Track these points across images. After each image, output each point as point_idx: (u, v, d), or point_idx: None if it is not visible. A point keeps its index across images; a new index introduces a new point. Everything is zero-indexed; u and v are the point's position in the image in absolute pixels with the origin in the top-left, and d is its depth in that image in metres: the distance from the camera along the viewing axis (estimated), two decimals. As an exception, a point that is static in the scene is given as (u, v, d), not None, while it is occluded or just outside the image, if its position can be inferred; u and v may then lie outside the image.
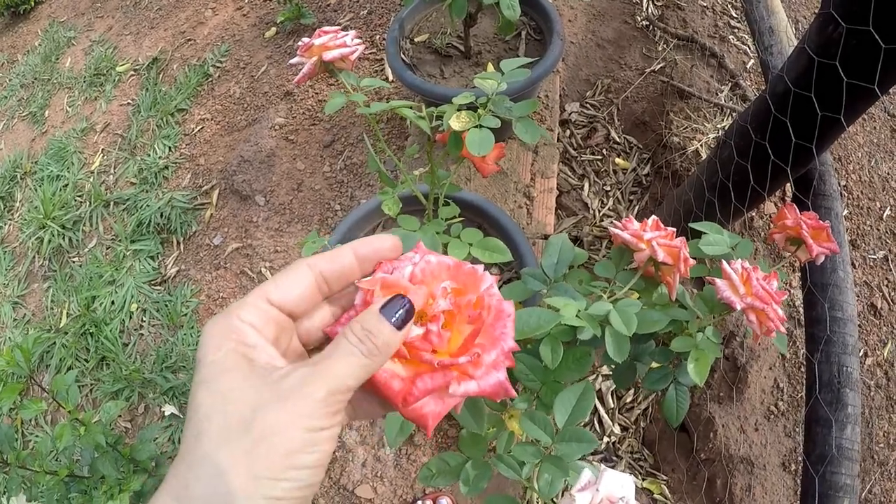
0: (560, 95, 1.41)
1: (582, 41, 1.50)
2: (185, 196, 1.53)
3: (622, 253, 0.67)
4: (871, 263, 1.53)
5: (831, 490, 0.80)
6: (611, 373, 1.33)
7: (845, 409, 0.86)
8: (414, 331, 0.33)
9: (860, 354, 1.42)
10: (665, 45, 1.50)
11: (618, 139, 1.39)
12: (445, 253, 0.74)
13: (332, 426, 0.23)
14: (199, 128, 1.63)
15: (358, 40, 0.73)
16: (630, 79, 1.46)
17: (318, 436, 0.22)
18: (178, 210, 1.52)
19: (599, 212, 1.33)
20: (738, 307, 0.56)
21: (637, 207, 1.38)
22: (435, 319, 0.33)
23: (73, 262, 1.68)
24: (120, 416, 1.49)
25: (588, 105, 1.42)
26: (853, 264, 1.51)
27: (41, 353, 1.60)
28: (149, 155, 1.66)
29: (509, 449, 0.60)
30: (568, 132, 1.39)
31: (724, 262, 0.62)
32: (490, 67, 1.22)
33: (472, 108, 0.69)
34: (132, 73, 1.87)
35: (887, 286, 1.51)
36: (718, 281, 0.59)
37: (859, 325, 1.46)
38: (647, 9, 1.56)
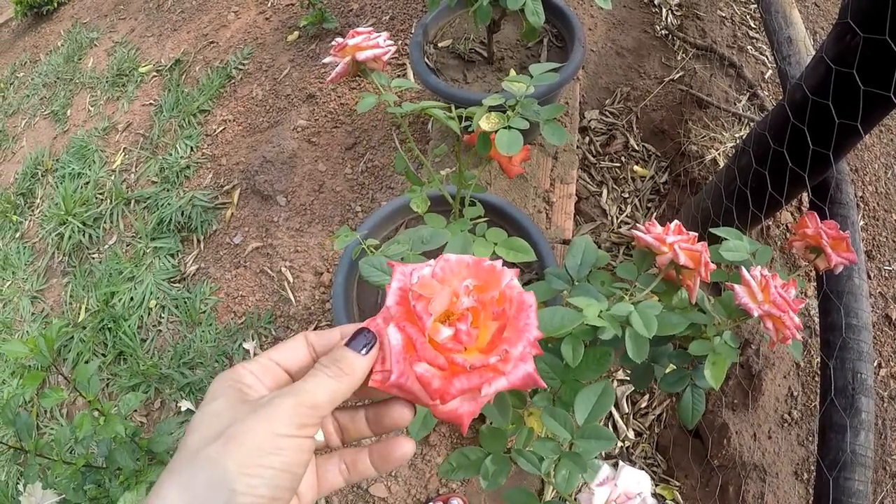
0: (580, 102, 1.42)
1: (602, 49, 1.52)
2: (206, 195, 1.55)
3: (644, 256, 0.68)
4: (887, 274, 1.53)
5: (844, 496, 0.80)
6: (627, 376, 1.33)
7: (859, 414, 0.86)
8: (443, 332, 0.33)
9: (874, 365, 1.42)
10: (684, 55, 1.52)
11: (636, 147, 1.40)
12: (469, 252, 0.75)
13: (298, 436, 0.26)
14: (221, 128, 1.65)
15: (390, 42, 0.74)
16: (649, 87, 1.47)
17: (283, 441, 0.25)
18: (199, 209, 1.54)
19: (617, 218, 1.34)
20: (756, 314, 0.57)
21: (654, 215, 1.39)
22: (463, 318, 0.34)
23: (93, 258, 1.71)
24: (136, 410, 1.50)
25: (607, 112, 1.44)
26: (868, 275, 1.51)
27: (59, 346, 1.62)
28: (170, 154, 1.69)
29: (528, 445, 0.61)
30: (587, 139, 1.40)
31: (743, 269, 0.63)
32: (513, 73, 1.24)
33: (499, 110, 0.71)
34: (154, 74, 1.90)
35: (901, 297, 1.52)
36: (737, 287, 0.60)
37: (874, 336, 1.46)
38: (666, 18, 1.58)
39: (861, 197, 1.58)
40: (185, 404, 1.42)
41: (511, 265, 0.81)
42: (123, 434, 1.13)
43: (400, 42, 1.57)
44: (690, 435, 1.29)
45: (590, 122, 1.42)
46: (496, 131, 0.69)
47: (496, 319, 0.36)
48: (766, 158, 1.04)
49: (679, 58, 1.51)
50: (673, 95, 1.46)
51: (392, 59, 1.56)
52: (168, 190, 1.63)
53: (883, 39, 0.72)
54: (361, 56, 0.71)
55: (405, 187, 1.34)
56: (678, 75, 1.49)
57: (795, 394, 1.33)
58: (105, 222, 1.72)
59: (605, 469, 0.50)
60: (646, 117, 1.43)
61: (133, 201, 1.69)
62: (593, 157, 1.38)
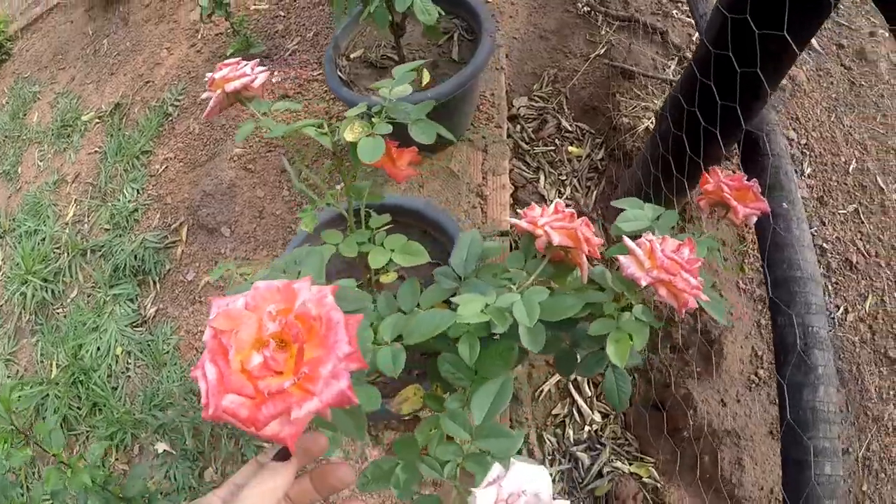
0: (507, 92, 1.42)
1: (525, 35, 1.52)
2: (155, 236, 1.56)
3: (529, 242, 0.67)
4: (842, 218, 1.52)
5: (809, 455, 0.78)
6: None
7: (815, 370, 0.83)
8: (254, 359, 0.34)
9: (840, 312, 1.42)
10: (608, 29, 1.51)
11: (569, 128, 1.40)
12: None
13: None
14: (163, 167, 1.66)
15: (261, 68, 0.74)
16: (576, 66, 1.47)
17: None
18: (151, 251, 1.55)
19: (557, 199, 1.34)
20: (644, 283, 0.55)
21: (595, 193, 1.39)
22: (266, 345, 0.34)
23: (58, 313, 1.72)
24: (116, 459, 1.51)
25: (536, 98, 1.44)
26: (822, 221, 1.51)
27: (36, 405, 1.63)
28: (118, 200, 1.69)
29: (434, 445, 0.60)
30: (518, 127, 1.40)
31: (626, 238, 0.62)
32: (426, 74, 1.23)
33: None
34: (97, 120, 1.91)
35: (861, 239, 1.51)
36: (622, 258, 0.58)
37: (836, 283, 1.46)
38: (587, -5, 1.58)
39: (805, 144, 1.57)
40: (160, 446, 1.43)
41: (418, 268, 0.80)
42: (91, 484, 1.14)
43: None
44: (657, 409, 1.28)
45: (519, 109, 1.41)
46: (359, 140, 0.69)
47: (296, 341, 0.36)
48: (682, 121, 1.04)
49: (603, 32, 1.51)
50: (600, 71, 1.46)
51: (319, 75, 1.56)
52: (120, 236, 1.64)
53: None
54: (230, 87, 0.71)
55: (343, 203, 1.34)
56: (604, 50, 1.48)
57: (760, 353, 1.33)
58: (65, 276, 1.73)
59: (496, 469, 0.49)
60: (575, 97, 1.43)
61: (89, 251, 1.70)
62: (526, 143, 1.38)
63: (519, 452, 0.58)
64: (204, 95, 0.74)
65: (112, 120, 1.86)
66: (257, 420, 0.33)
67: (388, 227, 0.87)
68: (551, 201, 1.34)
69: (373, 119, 0.70)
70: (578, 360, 0.73)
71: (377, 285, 0.91)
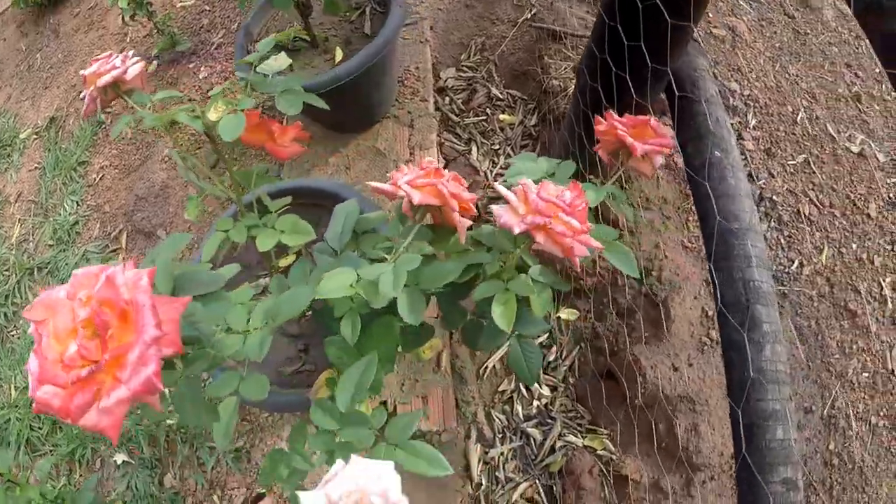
0: (433, 64, 1.38)
1: (449, 5, 1.47)
2: (97, 246, 1.54)
3: (399, 208, 0.63)
4: (792, 169, 1.49)
5: (759, 419, 0.72)
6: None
7: (760, 327, 0.77)
8: (70, 348, 0.33)
9: (795, 265, 1.38)
10: (534, -9, 1.47)
11: (500, 95, 1.37)
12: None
13: None
14: (100, 176, 1.63)
15: (135, 59, 0.71)
16: (504, 32, 1.43)
17: None
18: (94, 261, 1.52)
19: (492, 172, 1.31)
20: (517, 230, 0.51)
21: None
22: (73, 334, 0.34)
23: (12, 335, 1.70)
24: (81, 475, 1.50)
25: (464, 68, 1.40)
26: (771, 174, 1.47)
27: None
28: (59, 214, 1.66)
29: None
30: (447, 99, 1.36)
31: (498, 184, 0.58)
32: (339, 52, 1.20)
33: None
34: (35, 136, 1.88)
35: (813, 190, 1.47)
36: (495, 207, 0.54)
37: (789, 236, 1.42)
38: (511, -42, 1.53)
39: (749, 95, 1.53)
40: (119, 457, 1.42)
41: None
42: (38, 498, 1.12)
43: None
44: (608, 379, 1.24)
45: (447, 81, 1.38)
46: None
47: (101, 328, 0.34)
48: (596, 71, 1.00)
49: (528, -5, 1.47)
50: (529, 35, 1.42)
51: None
52: (64, 250, 1.61)
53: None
54: (102, 82, 0.68)
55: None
56: (531, 13, 1.44)
57: (710, 313, 1.29)
58: (15, 297, 1.70)
59: (338, 465, 0.41)
60: (504, 64, 1.39)
61: (35, 269, 1.67)
62: (456, 115, 1.34)
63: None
64: (83, 94, 0.71)
65: (49, 134, 1.83)
66: (69, 410, 0.32)
67: (305, 209, 0.84)
68: (485, 172, 1.31)
69: (239, 96, 0.68)
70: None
71: (279, 271, 0.89)
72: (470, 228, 0.63)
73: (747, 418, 0.73)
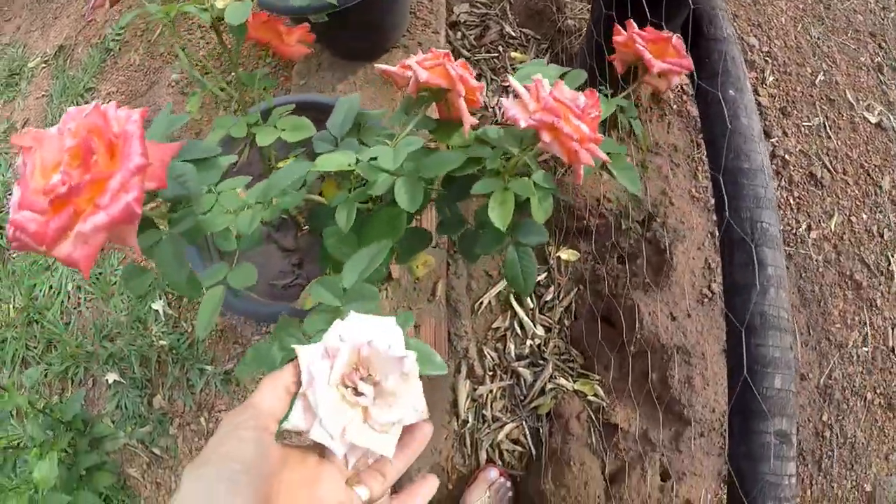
0: (446, -1, 1.35)
1: (467, -58, 1.44)
2: (98, 170, 1.53)
3: (408, 98, 0.62)
4: (807, 131, 1.45)
5: (758, 365, 0.68)
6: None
7: (765, 269, 0.73)
8: (54, 177, 0.33)
9: (803, 228, 1.36)
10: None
11: (513, 33, 1.34)
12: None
13: None
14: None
15: None
16: (520, -29, 1.40)
17: None
18: (94, 184, 1.52)
19: (500, 109, 1.28)
20: (523, 124, 0.49)
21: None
22: (57, 167, 0.34)
23: (14, 258, 1.70)
24: (72, 393, 1.51)
25: (478, 4, 1.37)
26: (785, 132, 1.44)
27: (-4, 347, 1.63)
28: (64, 139, 1.66)
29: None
30: (459, 34, 1.34)
31: (511, 78, 0.56)
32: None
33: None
34: (43, 65, 1.87)
35: (827, 154, 1.43)
36: (505, 100, 0.52)
37: (799, 197, 1.39)
38: None
39: (768, 52, 1.49)
40: (111, 376, 1.43)
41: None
42: (26, 405, 1.13)
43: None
44: (604, 324, 1.22)
45: (460, 16, 1.35)
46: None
47: (86, 153, 0.34)
48: (613, 1, 0.97)
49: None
50: (546, -26, 1.39)
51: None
52: (66, 174, 1.61)
53: None
54: None
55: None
56: (550, -47, 1.40)
57: (713, 265, 1.27)
58: (18, 219, 1.71)
59: (336, 322, 0.38)
60: (519, 1, 1.36)
61: (38, 193, 1.68)
62: (468, 51, 1.32)
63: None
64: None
65: (57, 62, 1.82)
66: (45, 235, 0.32)
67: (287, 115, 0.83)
68: (493, 108, 1.29)
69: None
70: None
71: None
72: (474, 129, 0.61)
73: (748, 362, 0.69)
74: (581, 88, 0.65)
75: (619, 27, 0.67)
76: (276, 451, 0.32)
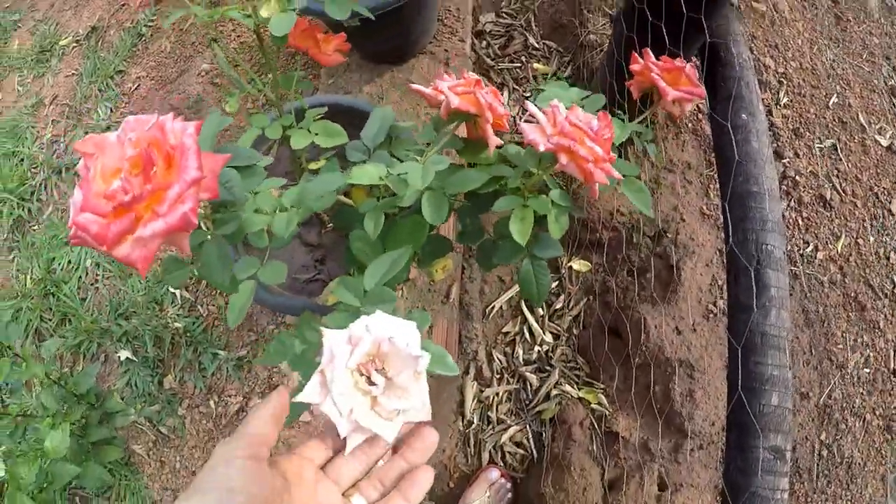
0: (473, 7, 1.38)
1: (497, -48, 1.47)
2: (124, 152, 1.57)
3: (439, 119, 0.65)
4: (818, 152, 1.48)
5: (756, 383, 0.72)
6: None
7: (767, 291, 0.76)
8: (114, 183, 0.36)
9: (810, 248, 1.38)
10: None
11: (536, 45, 1.37)
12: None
13: None
14: (136, 86, 1.66)
15: None
16: (547, -17, 1.43)
17: None
18: (119, 166, 1.56)
19: (521, 118, 1.31)
20: (542, 148, 0.53)
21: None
22: (118, 173, 0.36)
23: (34, 230, 1.74)
24: (83, 367, 1.55)
25: (504, 14, 1.40)
26: (796, 153, 1.46)
27: (10, 318, 1.67)
28: (93, 118, 1.70)
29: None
30: (484, 43, 1.37)
31: (529, 103, 0.60)
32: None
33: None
34: (74, 44, 1.91)
35: (837, 176, 1.46)
36: (524, 124, 0.56)
37: (807, 218, 1.42)
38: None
39: (783, 73, 1.52)
40: (123, 354, 1.46)
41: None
42: (42, 375, 1.17)
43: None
44: (611, 335, 1.26)
45: (485, 25, 1.38)
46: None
47: (153, 165, 0.37)
48: (633, 20, 1.00)
49: (578, -50, 1.46)
50: (572, -12, 1.42)
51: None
52: (92, 153, 1.65)
53: None
54: None
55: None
56: (578, -32, 1.43)
57: (720, 283, 1.29)
58: (41, 194, 1.75)
59: (360, 318, 0.43)
60: (544, 14, 1.39)
61: (64, 170, 1.71)
62: (492, 59, 1.35)
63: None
64: None
65: (88, 43, 1.86)
66: (106, 236, 0.35)
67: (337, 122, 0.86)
68: (514, 117, 1.32)
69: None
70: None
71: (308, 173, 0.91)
72: (498, 148, 0.64)
73: (746, 381, 0.73)
74: (607, 108, 0.69)
75: (637, 55, 0.70)
76: (270, 477, 0.32)
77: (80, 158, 0.39)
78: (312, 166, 0.91)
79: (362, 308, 0.53)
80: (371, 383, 0.37)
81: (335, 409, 0.36)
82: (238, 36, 1.55)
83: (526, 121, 0.61)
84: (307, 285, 1.02)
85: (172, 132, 0.38)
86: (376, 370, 0.37)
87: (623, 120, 0.73)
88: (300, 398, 0.37)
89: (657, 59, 0.95)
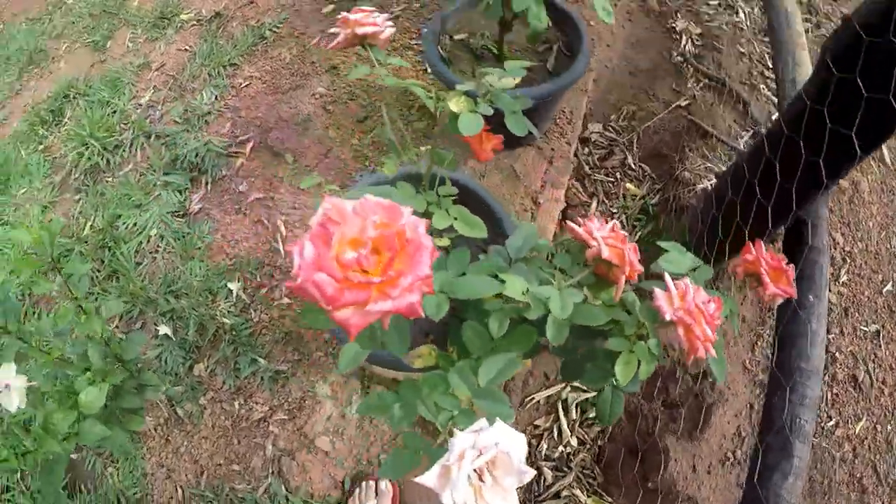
0: (585, 114, 1.47)
1: (616, 67, 1.57)
2: (222, 142, 1.63)
3: (579, 249, 0.73)
4: (862, 335, 1.55)
5: None
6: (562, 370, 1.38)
7: (791, 459, 0.86)
8: (349, 254, 0.40)
9: (831, 423, 1.44)
10: (695, 84, 1.56)
11: (633, 166, 1.45)
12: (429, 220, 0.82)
13: None
14: (246, 83, 1.73)
15: (389, 23, 0.82)
16: (655, 110, 1.52)
17: None
18: (213, 154, 1.62)
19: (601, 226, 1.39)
20: (668, 317, 0.60)
21: (639, 234, 1.43)
22: (364, 244, 0.41)
23: (107, 181, 1.79)
24: (117, 326, 1.59)
25: (611, 128, 1.48)
26: (842, 331, 1.53)
27: (59, 255, 1.70)
28: (196, 99, 1.77)
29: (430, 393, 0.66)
30: (587, 150, 1.45)
31: (667, 275, 0.67)
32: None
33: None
34: (194, 22, 1.99)
35: (873, 361, 1.53)
36: (657, 290, 0.63)
37: (836, 394, 1.48)
38: (684, 46, 1.62)
39: (849, 252, 1.60)
40: (163, 329, 1.49)
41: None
42: (100, 332, 1.20)
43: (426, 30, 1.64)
44: (633, 455, 1.31)
45: (591, 134, 1.46)
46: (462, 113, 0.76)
47: (389, 251, 0.42)
48: (740, 188, 1.08)
49: (689, 85, 1.56)
50: (677, 122, 1.51)
51: (415, 44, 1.63)
52: (188, 131, 1.71)
53: (854, 80, 0.75)
54: (360, 31, 0.79)
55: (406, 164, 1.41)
56: (685, 102, 1.53)
57: (744, 434, 1.35)
58: (124, 151, 1.81)
59: (482, 422, 0.52)
60: (647, 138, 1.47)
61: (153, 135, 1.77)
62: (590, 168, 1.43)
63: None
64: (333, 29, 0.81)
65: (209, 26, 1.94)
66: (337, 300, 0.40)
67: (448, 196, 0.93)
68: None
69: (477, 99, 0.77)
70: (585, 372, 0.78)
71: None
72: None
73: None
74: (696, 251, 0.76)
75: (750, 246, 0.78)
76: None
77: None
78: (438, 243, 0.98)
79: (475, 400, 0.60)
80: (482, 480, 0.45)
81: (451, 499, 0.43)
82: (376, 89, 1.61)
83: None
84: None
85: (409, 226, 0.43)
86: (489, 471, 0.46)
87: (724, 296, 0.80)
88: (421, 480, 0.45)
89: (744, 231, 1.03)
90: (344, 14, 0.79)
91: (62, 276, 1.07)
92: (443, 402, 0.63)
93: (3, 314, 0.98)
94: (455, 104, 0.78)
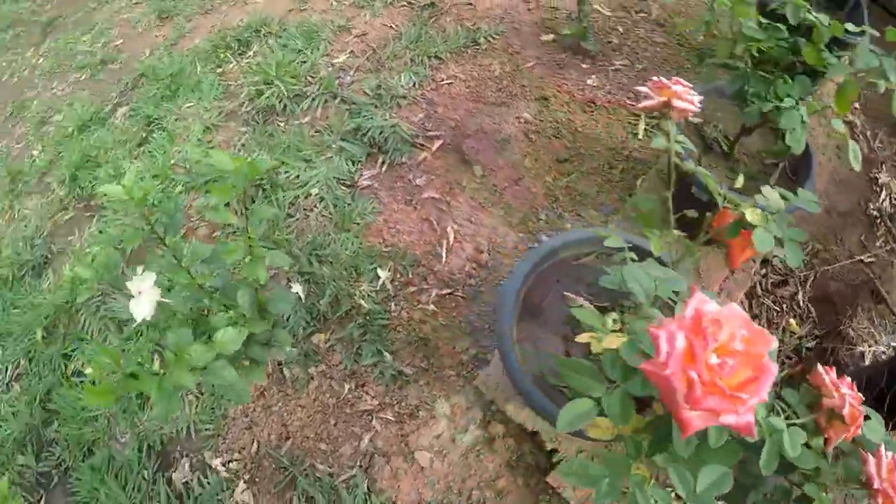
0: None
1: (823, 203, 1.55)
2: (410, 130, 1.66)
3: (809, 391, 0.74)
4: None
5: None
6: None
7: None
8: (712, 358, 0.43)
9: None
10: (885, 243, 1.54)
11: (801, 303, 1.43)
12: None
13: None
14: (448, 81, 1.76)
15: (695, 95, 0.82)
16: (839, 255, 1.50)
17: None
18: (398, 137, 1.64)
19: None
20: (876, 485, 0.64)
21: (785, 372, 1.41)
22: (731, 355, 0.44)
23: (279, 125, 1.84)
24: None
25: (792, 258, 1.47)
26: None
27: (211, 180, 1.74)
28: (392, 79, 1.80)
29: (644, 486, 0.69)
30: (764, 272, 1.44)
31: (883, 447, 0.70)
32: (740, 179, 1.29)
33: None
34: (405, 4, 2.03)
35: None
36: (870, 457, 0.67)
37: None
38: (882, 201, 1.60)
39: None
40: (296, 287, 1.51)
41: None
42: (262, 282, 1.20)
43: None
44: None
45: (773, 257, 1.45)
46: (755, 227, 0.79)
47: (752, 370, 0.45)
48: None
49: (878, 244, 1.54)
50: (856, 275, 1.49)
51: (630, 103, 1.64)
52: (376, 107, 1.74)
53: None
54: (677, 104, 0.79)
55: (593, 221, 1.41)
56: (869, 259, 1.51)
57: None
58: (304, 102, 1.85)
59: None
60: (822, 281, 1.46)
61: (339, 98, 1.81)
62: (761, 290, 1.42)
63: None
64: (643, 88, 0.82)
65: (421, 13, 1.98)
66: (697, 401, 0.43)
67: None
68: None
69: (769, 217, 0.79)
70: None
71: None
72: None
73: None
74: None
75: None
76: None
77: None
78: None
79: (688, 500, 0.60)
80: None
81: None
82: (584, 136, 1.61)
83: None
84: (554, 389, 1.08)
85: (762, 350, 0.46)
86: None
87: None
88: None
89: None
90: (661, 79, 0.80)
91: (246, 213, 1.05)
92: (657, 496, 0.65)
93: (168, 226, 0.96)
94: (753, 215, 0.80)
